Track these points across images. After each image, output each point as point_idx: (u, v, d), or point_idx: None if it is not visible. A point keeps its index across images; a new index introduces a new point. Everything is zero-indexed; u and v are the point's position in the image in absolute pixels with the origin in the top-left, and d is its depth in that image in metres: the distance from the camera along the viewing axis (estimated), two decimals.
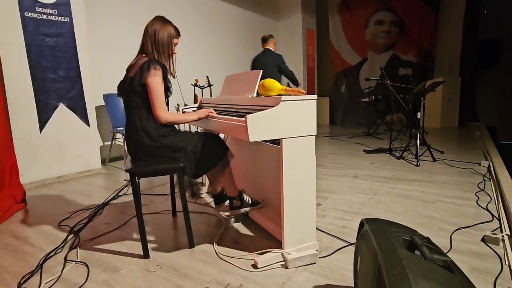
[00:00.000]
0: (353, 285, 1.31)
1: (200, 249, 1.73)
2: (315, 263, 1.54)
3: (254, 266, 1.52)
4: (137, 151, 1.72)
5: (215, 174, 1.90)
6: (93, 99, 3.58)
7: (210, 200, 2.49)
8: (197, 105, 2.54)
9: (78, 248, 1.78)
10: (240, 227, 2.00)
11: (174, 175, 1.76)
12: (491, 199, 2.31)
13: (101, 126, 3.97)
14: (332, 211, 2.22)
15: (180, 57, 4.35)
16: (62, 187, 3.09)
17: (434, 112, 6.41)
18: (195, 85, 4.13)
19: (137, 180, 1.64)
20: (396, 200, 2.40)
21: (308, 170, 1.54)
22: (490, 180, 2.76)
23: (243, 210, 1.98)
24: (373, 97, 5.88)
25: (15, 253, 1.76)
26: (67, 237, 1.93)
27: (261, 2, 6.92)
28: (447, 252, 1.58)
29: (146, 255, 1.65)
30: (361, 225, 1.16)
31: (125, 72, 1.81)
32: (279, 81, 4.12)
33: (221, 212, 2.23)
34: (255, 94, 1.79)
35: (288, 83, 6.23)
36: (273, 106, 1.42)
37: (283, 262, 1.54)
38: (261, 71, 1.83)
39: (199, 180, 2.93)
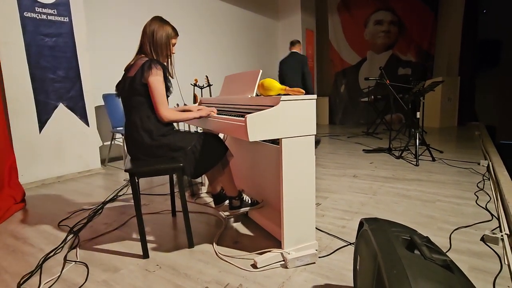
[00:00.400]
0: (352, 285, 1.31)
1: (200, 249, 1.73)
2: (314, 263, 1.54)
3: (254, 266, 1.53)
4: (137, 150, 1.72)
5: (215, 174, 1.90)
6: (92, 99, 3.58)
7: (209, 200, 2.49)
8: (196, 104, 2.55)
9: (78, 248, 1.78)
10: (239, 227, 2.00)
11: (174, 175, 1.75)
12: (490, 198, 2.31)
13: (101, 126, 3.97)
14: (331, 211, 2.22)
15: (179, 57, 4.35)
16: (61, 187, 3.09)
17: (433, 112, 6.41)
18: (195, 85, 4.13)
19: (136, 180, 1.64)
20: (395, 199, 2.40)
21: (308, 169, 1.54)
22: (489, 180, 2.76)
23: (243, 210, 1.98)
24: (372, 96, 5.89)
25: (15, 253, 1.76)
26: (66, 237, 1.93)
27: (261, 2, 6.91)
28: (446, 252, 1.59)
29: (145, 255, 1.65)
30: (361, 224, 1.16)
31: (124, 72, 1.81)
32: (303, 82, 4.34)
33: (220, 212, 2.23)
34: (254, 94, 1.79)
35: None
36: (273, 106, 1.42)
37: (283, 262, 1.54)
38: (261, 70, 1.84)
39: (199, 180, 2.93)
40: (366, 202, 2.38)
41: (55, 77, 3.23)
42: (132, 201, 1.64)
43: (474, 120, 6.88)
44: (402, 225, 1.08)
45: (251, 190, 2.29)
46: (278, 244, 1.63)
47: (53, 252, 1.74)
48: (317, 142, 4.79)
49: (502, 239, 1.67)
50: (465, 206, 2.21)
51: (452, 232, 1.81)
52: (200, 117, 1.84)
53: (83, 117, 3.50)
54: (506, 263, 1.48)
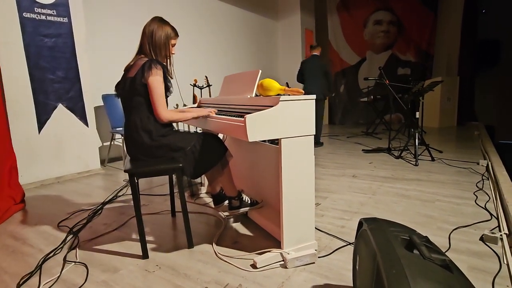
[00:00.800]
0: (352, 285, 1.31)
1: (199, 249, 1.73)
2: (314, 262, 1.54)
3: (253, 266, 1.53)
4: (136, 151, 1.73)
5: (214, 174, 1.90)
6: (92, 100, 3.57)
7: (209, 200, 2.49)
8: (196, 105, 2.55)
9: (77, 249, 1.78)
10: (239, 227, 2.00)
11: (173, 175, 1.76)
12: (489, 198, 2.31)
13: (100, 126, 3.96)
14: (331, 211, 2.23)
15: (179, 57, 4.35)
16: (61, 187, 3.09)
17: (432, 112, 6.42)
18: (194, 85, 4.13)
19: (136, 181, 1.64)
20: (395, 199, 2.40)
21: (307, 169, 1.54)
22: (488, 179, 2.76)
23: (242, 210, 1.98)
24: (372, 96, 5.89)
25: (14, 254, 1.76)
26: (66, 237, 1.93)
27: (260, 2, 6.92)
28: (445, 252, 1.59)
29: (145, 256, 1.65)
30: (360, 224, 1.16)
31: (123, 72, 1.81)
32: (325, 82, 4.74)
33: (220, 212, 2.23)
34: (254, 94, 1.79)
35: (287, 82, 6.24)
36: (272, 106, 1.42)
37: (282, 262, 1.54)
38: (260, 71, 1.84)
39: (198, 180, 2.93)
40: (365, 202, 2.38)
41: (54, 77, 3.23)
42: (132, 201, 1.65)
43: (474, 120, 6.89)
44: (401, 225, 1.08)
45: (250, 190, 2.30)
46: (277, 244, 1.63)
47: (53, 252, 1.74)
48: (318, 143, 4.88)
49: (501, 239, 1.67)
50: (464, 205, 2.21)
51: (451, 232, 1.81)
52: (199, 117, 1.84)
53: (83, 118, 3.49)
54: (505, 262, 1.48)
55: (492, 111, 7.18)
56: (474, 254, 1.58)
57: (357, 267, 1.18)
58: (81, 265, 1.60)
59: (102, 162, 3.93)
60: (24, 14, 2.99)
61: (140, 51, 1.79)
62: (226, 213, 2.15)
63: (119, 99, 1.83)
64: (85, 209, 2.42)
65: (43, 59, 3.14)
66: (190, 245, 1.74)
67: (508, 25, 6.90)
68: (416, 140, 3.59)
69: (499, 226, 1.86)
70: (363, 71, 7.73)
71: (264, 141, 2.03)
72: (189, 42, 5.21)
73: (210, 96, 4.35)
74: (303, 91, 1.56)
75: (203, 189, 2.77)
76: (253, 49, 6.85)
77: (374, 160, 3.76)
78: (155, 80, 1.66)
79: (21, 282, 1.46)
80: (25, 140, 3.07)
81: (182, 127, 4.04)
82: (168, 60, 1.84)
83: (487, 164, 3.18)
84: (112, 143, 3.92)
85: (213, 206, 2.13)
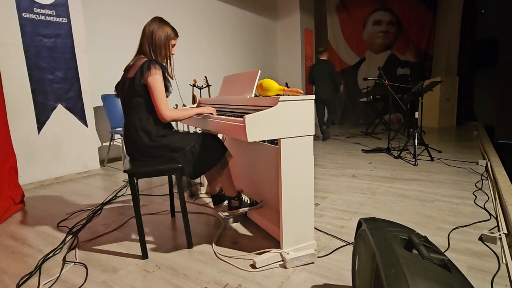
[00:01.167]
0: (351, 285, 1.31)
1: (199, 250, 1.73)
2: (313, 262, 1.55)
3: (253, 266, 1.53)
4: (136, 151, 1.73)
5: (214, 174, 1.90)
6: (91, 100, 3.57)
7: (208, 200, 2.50)
8: (195, 105, 2.55)
9: (77, 249, 1.78)
10: (238, 227, 2.01)
11: (173, 175, 1.76)
12: (488, 198, 2.32)
13: (100, 126, 3.96)
14: (330, 211, 2.23)
15: (178, 58, 4.35)
16: (60, 188, 3.09)
17: (432, 112, 6.43)
18: (194, 85, 4.13)
19: (135, 181, 1.64)
20: (394, 199, 2.40)
21: (307, 169, 1.54)
22: (487, 179, 2.77)
23: (242, 210, 1.98)
24: (371, 96, 5.90)
25: (14, 254, 1.76)
26: (65, 238, 1.93)
27: (259, 2, 6.92)
28: (444, 251, 1.60)
29: (144, 256, 1.65)
30: (359, 224, 1.17)
31: (123, 72, 1.81)
32: (334, 85, 5.12)
33: (219, 212, 2.23)
34: (253, 95, 1.79)
35: (286, 83, 6.25)
36: (271, 106, 1.43)
37: (282, 262, 1.54)
38: (259, 71, 1.84)
39: (198, 180, 2.94)
40: (364, 202, 2.38)
41: (53, 77, 3.23)
42: (131, 201, 1.65)
43: (473, 120, 6.90)
44: (400, 225, 1.08)
45: (250, 190, 2.30)
46: (277, 244, 1.63)
47: (52, 253, 1.74)
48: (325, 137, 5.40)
49: (500, 239, 1.67)
50: (464, 205, 2.21)
51: (451, 232, 1.82)
52: (203, 113, 1.84)
53: (82, 118, 3.49)
54: (504, 262, 1.49)
55: (491, 111, 7.18)
56: (473, 253, 1.58)
57: (356, 267, 1.18)
58: (81, 266, 1.60)
59: (102, 163, 3.93)
60: (23, 14, 2.99)
61: (140, 51, 1.79)
62: (226, 213, 2.15)
63: (119, 99, 1.83)
64: (84, 210, 2.42)
65: (43, 60, 3.14)
66: (190, 245, 1.75)
67: (507, 24, 6.90)
68: (416, 140, 3.60)
69: (498, 226, 1.87)
70: (363, 71, 7.74)
71: (264, 141, 2.03)
72: (189, 42, 5.21)
73: (209, 96, 4.35)
74: (303, 92, 1.57)
75: (203, 189, 2.77)
76: (253, 49, 6.86)
77: (373, 160, 3.76)
78: (155, 79, 1.66)
79: (20, 283, 1.46)
80: (24, 140, 3.07)
81: (181, 127, 4.04)
82: (168, 60, 1.84)
83: (486, 164, 3.18)
84: (112, 143, 3.92)
85: (212, 206, 2.13)
